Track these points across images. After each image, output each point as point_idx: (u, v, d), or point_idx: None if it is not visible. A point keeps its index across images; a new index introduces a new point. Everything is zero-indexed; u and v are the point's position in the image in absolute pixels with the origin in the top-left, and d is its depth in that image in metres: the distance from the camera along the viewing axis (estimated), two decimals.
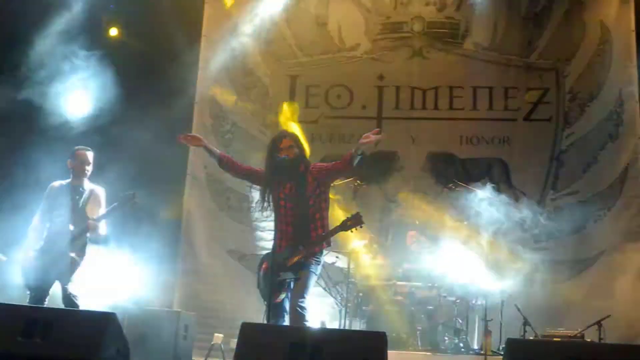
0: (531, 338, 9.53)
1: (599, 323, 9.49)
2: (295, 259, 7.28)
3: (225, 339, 10.52)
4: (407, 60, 12.78)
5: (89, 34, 11.89)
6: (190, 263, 12.44)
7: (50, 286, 8.34)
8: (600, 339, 9.34)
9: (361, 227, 7.43)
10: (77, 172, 8.61)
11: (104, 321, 5.96)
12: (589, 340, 9.29)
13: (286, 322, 7.29)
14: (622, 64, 11.96)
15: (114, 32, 12.92)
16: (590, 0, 12.31)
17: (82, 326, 5.96)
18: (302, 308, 7.22)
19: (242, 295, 11.62)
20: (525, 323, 9.86)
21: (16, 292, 9.70)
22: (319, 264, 7.53)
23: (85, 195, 8.57)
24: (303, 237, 7.41)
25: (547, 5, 12.41)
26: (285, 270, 7.29)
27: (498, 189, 11.46)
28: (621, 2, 12.15)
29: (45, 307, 8.00)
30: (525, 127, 12.22)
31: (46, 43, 11.63)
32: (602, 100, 11.94)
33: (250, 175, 8.15)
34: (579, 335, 9.28)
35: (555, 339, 8.87)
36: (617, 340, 9.95)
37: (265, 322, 7.37)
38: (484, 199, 10.59)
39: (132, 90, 11.89)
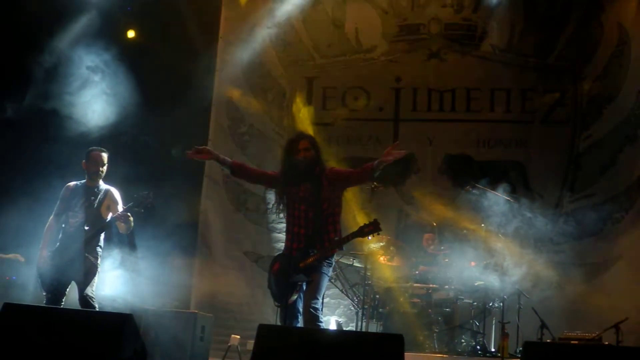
0: (548, 341, 9.49)
1: (616, 326, 9.44)
2: (308, 261, 7.29)
3: (241, 341, 10.54)
4: (424, 62, 12.76)
5: (107, 37, 11.94)
6: (207, 264, 12.46)
7: (66, 287, 8.37)
8: (618, 342, 9.29)
9: (379, 234, 7.42)
10: (92, 173, 8.65)
11: (121, 322, 5.97)
12: (606, 343, 9.24)
13: (300, 323, 7.31)
14: None
15: (131, 34, 12.95)
16: (609, 2, 12.24)
17: (99, 327, 5.98)
18: (316, 309, 7.23)
19: (258, 297, 11.66)
20: (543, 326, 9.83)
21: (33, 293, 9.77)
22: (330, 266, 7.55)
23: (100, 196, 8.60)
24: (316, 240, 7.41)
25: (565, 7, 12.35)
26: (297, 272, 7.30)
27: (515, 192, 11.45)
28: (639, 4, 12.10)
29: (63, 308, 8.03)
30: (542, 129, 12.17)
31: (64, 47, 11.70)
32: (620, 102, 11.87)
33: (264, 180, 8.18)
34: (596, 338, 9.24)
35: (572, 342, 8.83)
36: (635, 344, 9.91)
37: (278, 323, 7.41)
38: (501, 202, 10.58)
39: (149, 92, 11.93)
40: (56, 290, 8.30)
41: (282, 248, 7.80)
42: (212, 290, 12.25)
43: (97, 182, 8.68)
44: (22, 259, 10.61)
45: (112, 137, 11.25)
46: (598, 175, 11.77)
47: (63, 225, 8.54)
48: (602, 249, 11.49)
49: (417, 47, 12.82)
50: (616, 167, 11.71)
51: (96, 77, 11.79)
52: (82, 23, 11.82)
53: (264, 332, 5.96)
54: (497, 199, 10.72)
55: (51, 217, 8.67)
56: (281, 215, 7.90)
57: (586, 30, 12.22)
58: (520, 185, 11.91)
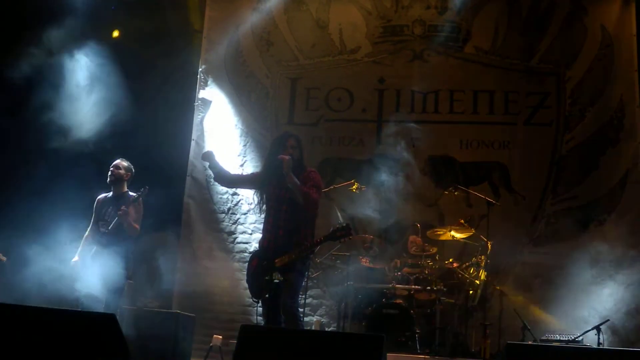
0: (530, 343, 9.52)
1: (597, 328, 9.49)
2: (284, 259, 7.37)
3: (224, 341, 10.52)
4: (407, 63, 12.77)
5: (91, 37, 11.89)
6: (189, 264, 12.42)
7: (99, 294, 8.53)
8: (599, 343, 9.33)
9: (350, 238, 7.48)
10: (117, 183, 9.03)
11: (104, 323, 5.95)
12: (587, 345, 9.28)
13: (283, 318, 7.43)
14: (623, 69, 11.96)
15: (115, 34, 12.90)
16: (592, 5, 12.31)
17: (82, 327, 5.96)
18: (294, 307, 7.42)
19: (241, 297, 11.64)
20: (524, 327, 9.86)
21: (16, 293, 9.78)
22: (305, 264, 7.64)
23: (123, 203, 8.84)
24: (292, 241, 7.53)
25: (549, 10, 12.39)
26: (273, 270, 7.39)
27: (498, 193, 11.49)
28: (622, 7, 12.16)
29: (46, 308, 7.99)
30: (525, 131, 12.18)
31: (47, 47, 11.65)
32: (603, 105, 11.91)
33: (246, 182, 8.38)
34: (577, 340, 9.28)
35: (554, 344, 8.86)
36: (616, 345, 9.96)
37: (257, 318, 7.51)
38: (483, 203, 10.62)
39: (132, 91, 11.89)
40: (87, 297, 8.53)
41: None
42: (195, 290, 12.22)
43: (122, 189, 9.05)
44: (3, 258, 10.56)
45: (96, 138, 11.21)
46: (580, 178, 11.79)
47: (97, 236, 8.96)
48: (584, 251, 11.50)
49: (400, 49, 12.83)
50: (598, 169, 11.73)
51: (78, 78, 11.74)
52: (65, 22, 11.74)
53: (246, 333, 5.96)
54: (480, 201, 10.76)
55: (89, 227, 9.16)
56: (264, 215, 7.97)
57: (569, 33, 12.27)
58: (503, 186, 11.92)
